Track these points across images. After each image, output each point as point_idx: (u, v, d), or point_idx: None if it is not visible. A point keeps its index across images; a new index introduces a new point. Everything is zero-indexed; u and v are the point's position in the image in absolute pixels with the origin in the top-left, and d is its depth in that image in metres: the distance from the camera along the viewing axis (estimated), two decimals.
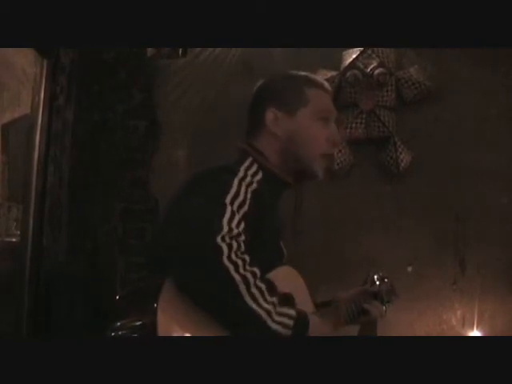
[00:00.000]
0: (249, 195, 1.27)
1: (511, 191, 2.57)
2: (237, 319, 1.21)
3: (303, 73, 1.50)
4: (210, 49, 2.83)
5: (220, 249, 1.17)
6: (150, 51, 2.82)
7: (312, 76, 1.50)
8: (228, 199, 1.24)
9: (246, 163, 1.37)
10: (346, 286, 1.60)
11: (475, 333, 2.52)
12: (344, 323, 1.47)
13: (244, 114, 1.51)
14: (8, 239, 3.11)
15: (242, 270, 1.17)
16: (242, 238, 1.21)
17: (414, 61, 2.69)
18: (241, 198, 1.26)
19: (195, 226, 1.21)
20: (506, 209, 2.57)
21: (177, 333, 1.21)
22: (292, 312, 1.24)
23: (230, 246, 1.17)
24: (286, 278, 1.31)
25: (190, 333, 1.21)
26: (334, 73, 2.71)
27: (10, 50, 2.90)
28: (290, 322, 1.22)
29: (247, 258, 1.19)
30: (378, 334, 1.87)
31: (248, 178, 1.32)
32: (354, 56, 2.68)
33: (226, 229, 1.19)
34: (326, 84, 1.51)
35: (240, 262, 1.17)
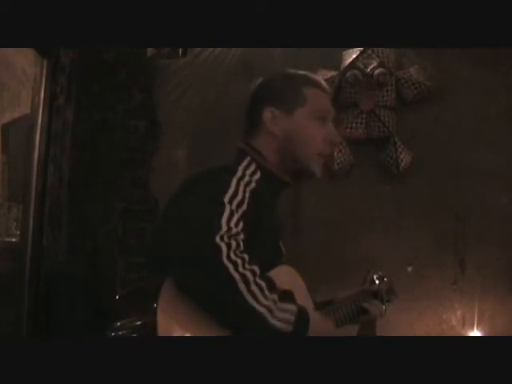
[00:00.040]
0: (247, 194, 1.28)
1: (511, 191, 2.57)
2: (238, 318, 1.21)
3: (302, 72, 1.50)
4: (210, 49, 2.83)
5: (219, 248, 1.17)
6: (150, 51, 2.82)
7: (310, 75, 1.50)
8: (226, 198, 1.24)
9: (244, 163, 1.37)
10: (345, 286, 1.61)
11: (475, 333, 2.52)
12: (344, 322, 1.48)
13: (244, 114, 1.51)
14: (8, 239, 3.11)
15: (241, 269, 1.17)
16: (241, 236, 1.21)
17: (414, 61, 2.69)
18: (239, 197, 1.26)
19: (194, 226, 1.21)
20: (506, 209, 2.56)
21: (177, 333, 1.21)
22: (293, 307, 1.24)
23: (228, 245, 1.18)
24: (285, 277, 1.31)
25: (189, 333, 1.22)
26: (334, 73, 2.71)
27: (10, 49, 2.90)
28: (291, 318, 1.23)
29: (246, 256, 1.20)
30: (378, 334, 1.87)
31: (246, 178, 1.32)
32: (354, 56, 2.68)
33: (224, 228, 1.19)
34: (324, 83, 1.51)
35: (239, 261, 1.18)
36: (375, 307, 1.55)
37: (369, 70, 2.65)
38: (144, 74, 2.96)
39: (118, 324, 1.31)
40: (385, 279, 1.62)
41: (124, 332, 1.30)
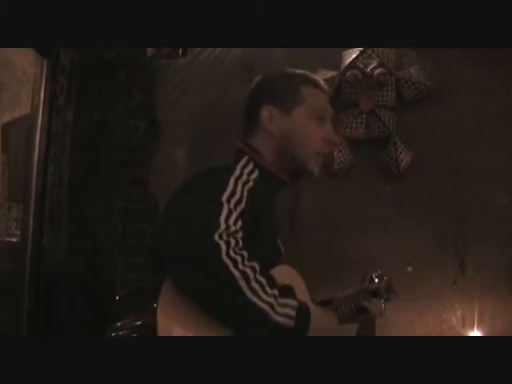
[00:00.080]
0: (245, 193, 1.28)
1: (511, 191, 2.57)
2: (239, 315, 1.22)
3: (300, 71, 1.50)
4: (210, 49, 2.83)
5: (218, 246, 1.17)
6: (150, 51, 2.82)
7: (309, 74, 1.50)
8: (225, 197, 1.24)
9: (242, 162, 1.38)
10: (345, 286, 1.61)
11: (475, 333, 2.52)
12: (344, 321, 1.48)
13: (243, 112, 1.51)
14: (8, 239, 3.10)
15: (241, 266, 1.18)
16: (240, 234, 1.22)
17: (414, 61, 2.69)
18: (237, 196, 1.26)
19: (193, 225, 1.22)
20: (506, 209, 2.57)
21: (177, 333, 1.21)
22: (294, 302, 1.25)
23: (227, 243, 1.18)
24: (284, 277, 1.31)
25: (190, 332, 1.22)
26: (334, 73, 2.72)
27: (10, 49, 2.90)
28: (293, 313, 1.23)
29: (245, 253, 1.20)
30: (378, 334, 1.87)
31: (244, 177, 1.32)
32: (354, 56, 2.68)
33: (223, 226, 1.20)
34: (323, 83, 1.51)
35: (239, 258, 1.18)
36: (375, 306, 1.55)
37: (369, 69, 2.65)
38: (144, 74, 2.96)
39: (118, 324, 1.31)
40: (384, 278, 1.63)
41: (124, 332, 1.30)
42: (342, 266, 2.55)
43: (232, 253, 1.18)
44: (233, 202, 1.25)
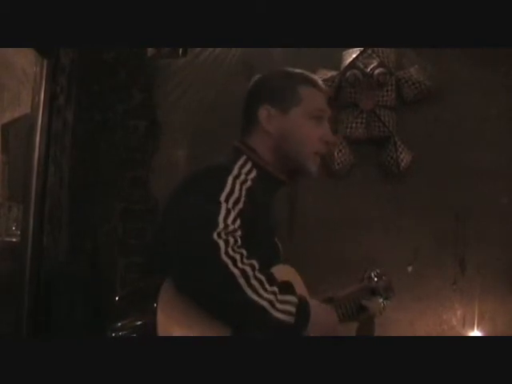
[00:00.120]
0: (243, 193, 1.28)
1: (511, 191, 2.57)
2: (239, 313, 1.22)
3: (299, 71, 1.50)
4: (210, 49, 2.83)
5: (217, 245, 1.17)
6: (150, 51, 2.82)
7: (307, 74, 1.50)
8: (223, 197, 1.25)
9: (240, 161, 1.38)
10: (346, 286, 1.61)
11: (475, 333, 2.52)
12: (344, 320, 1.48)
13: (241, 111, 1.51)
14: (8, 239, 3.10)
15: (240, 264, 1.18)
16: (238, 233, 1.22)
17: (414, 61, 2.69)
18: (235, 195, 1.27)
19: (191, 224, 1.22)
20: (506, 209, 2.57)
21: (177, 332, 1.21)
22: (293, 298, 1.26)
23: (226, 242, 1.18)
24: (284, 276, 1.32)
25: (189, 332, 1.22)
26: (334, 73, 2.71)
27: (10, 50, 2.90)
28: (293, 309, 1.24)
29: (244, 251, 1.21)
30: (379, 334, 1.87)
31: (242, 176, 1.32)
32: (354, 56, 2.67)
33: (221, 225, 1.20)
34: (321, 83, 1.52)
35: (238, 257, 1.19)
36: (374, 304, 1.55)
37: (369, 69, 2.65)
38: (144, 74, 2.96)
39: (118, 324, 1.31)
40: (383, 277, 1.63)
41: (124, 332, 1.30)
42: (342, 266, 2.54)
43: (231, 251, 1.18)
44: (231, 201, 1.25)
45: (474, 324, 2.53)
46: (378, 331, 1.72)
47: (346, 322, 1.50)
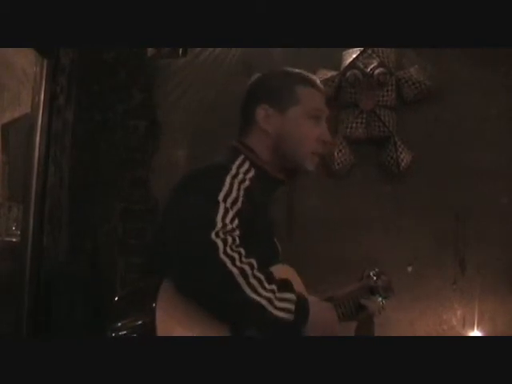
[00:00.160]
0: (241, 192, 1.29)
1: (511, 191, 2.57)
2: (238, 311, 1.22)
3: (297, 70, 1.50)
4: (210, 49, 2.83)
5: (215, 244, 1.18)
6: (150, 51, 2.82)
7: (305, 74, 1.51)
8: (221, 196, 1.25)
9: (238, 161, 1.38)
10: (345, 286, 1.60)
11: (475, 333, 2.52)
12: (343, 319, 1.48)
13: (239, 110, 1.51)
14: (8, 239, 3.11)
15: (238, 263, 1.19)
16: (237, 233, 1.23)
17: (414, 61, 2.69)
18: (233, 195, 1.27)
19: (189, 224, 1.22)
20: (506, 209, 2.56)
21: (176, 332, 1.21)
22: (292, 296, 1.26)
23: (224, 241, 1.19)
24: (283, 276, 1.32)
25: (189, 332, 1.22)
26: (334, 73, 2.71)
27: (10, 50, 2.90)
28: (292, 307, 1.25)
29: (243, 250, 1.21)
30: (379, 334, 1.87)
31: (240, 176, 1.33)
32: (354, 56, 2.67)
33: (219, 225, 1.20)
34: (319, 82, 1.52)
35: (236, 256, 1.19)
36: (373, 303, 1.56)
37: (369, 69, 2.64)
38: (144, 74, 2.96)
39: (118, 324, 1.31)
40: (382, 276, 1.63)
41: (124, 332, 1.30)
42: (342, 266, 2.54)
43: (229, 250, 1.18)
44: (229, 201, 1.25)
45: (473, 324, 2.53)
46: (378, 331, 1.71)
47: (345, 321, 1.50)
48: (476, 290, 2.54)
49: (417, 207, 2.63)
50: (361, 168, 2.73)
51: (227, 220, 1.22)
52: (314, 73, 2.64)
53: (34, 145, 2.82)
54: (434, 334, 2.56)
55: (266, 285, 1.21)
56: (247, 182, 1.32)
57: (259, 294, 1.20)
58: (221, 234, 1.19)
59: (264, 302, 1.20)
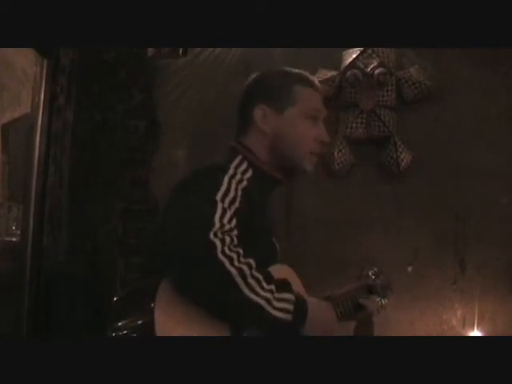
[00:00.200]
0: (239, 192, 1.29)
1: (511, 191, 2.57)
2: (237, 311, 1.23)
3: (295, 70, 1.51)
4: (210, 49, 2.83)
5: (213, 244, 1.18)
6: (150, 51, 2.81)
7: (304, 74, 1.51)
8: (219, 196, 1.25)
9: (236, 161, 1.38)
10: (344, 285, 1.60)
11: (475, 333, 2.52)
12: (342, 319, 1.48)
13: (237, 110, 1.51)
14: (8, 239, 3.11)
15: (236, 263, 1.19)
16: (235, 232, 1.23)
17: (414, 61, 2.69)
18: (231, 195, 1.27)
19: (188, 224, 1.23)
20: (506, 209, 2.56)
21: (175, 332, 1.21)
22: (291, 296, 1.26)
23: (223, 241, 1.19)
24: (281, 276, 1.32)
25: (188, 332, 1.22)
26: (334, 72, 2.71)
27: (10, 50, 2.90)
28: (290, 307, 1.25)
29: (241, 250, 1.21)
30: (379, 334, 1.87)
31: (238, 176, 1.33)
32: (355, 56, 2.67)
33: (217, 225, 1.21)
34: (317, 83, 1.52)
35: (234, 256, 1.19)
36: (372, 303, 1.56)
37: (369, 69, 2.64)
38: (144, 74, 2.96)
39: (118, 324, 1.31)
40: (380, 275, 1.63)
41: (124, 332, 1.30)
42: (342, 266, 2.54)
43: (227, 250, 1.19)
44: (227, 201, 1.26)
45: (474, 324, 2.53)
46: (378, 331, 1.72)
47: (344, 320, 1.50)
48: (476, 289, 2.54)
49: (417, 207, 2.63)
50: (361, 168, 2.73)
51: (225, 220, 1.22)
52: (314, 73, 2.65)
53: (34, 145, 2.82)
54: (434, 334, 2.56)
55: (265, 285, 1.21)
56: (245, 182, 1.33)
57: (257, 294, 1.20)
58: (219, 234, 1.19)
59: (262, 302, 1.20)
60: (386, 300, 1.62)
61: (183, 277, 1.22)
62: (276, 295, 1.23)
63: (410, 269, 2.62)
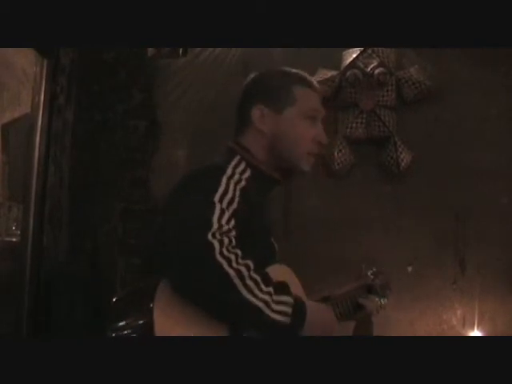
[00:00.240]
0: (237, 193, 1.29)
1: (511, 191, 2.57)
2: (235, 313, 1.22)
3: (294, 70, 1.50)
4: (210, 49, 2.83)
5: (211, 245, 1.18)
6: (150, 51, 2.81)
7: (302, 74, 1.51)
8: (217, 197, 1.25)
9: (234, 161, 1.38)
10: (343, 285, 1.60)
11: (476, 333, 2.52)
12: (341, 319, 1.48)
13: (235, 109, 1.51)
14: (8, 239, 3.11)
15: (235, 264, 1.18)
16: (233, 233, 1.23)
17: (414, 61, 2.69)
18: (229, 195, 1.27)
19: (186, 225, 1.22)
20: (506, 209, 2.56)
21: (174, 332, 1.21)
22: (289, 299, 1.26)
23: (221, 242, 1.19)
24: (280, 276, 1.32)
25: (186, 332, 1.22)
26: (334, 72, 2.71)
27: (10, 50, 2.90)
28: (289, 310, 1.24)
29: (239, 252, 1.21)
30: (379, 334, 1.87)
31: (236, 176, 1.33)
32: (355, 55, 2.67)
33: (216, 225, 1.20)
34: (316, 83, 1.52)
35: (232, 257, 1.19)
36: (371, 302, 1.56)
37: (369, 69, 2.64)
38: (144, 74, 2.96)
39: (118, 324, 1.31)
40: (379, 275, 1.63)
41: (124, 332, 1.30)
42: (342, 265, 2.54)
43: (225, 251, 1.18)
44: (225, 201, 1.25)
45: (474, 324, 2.53)
46: (378, 331, 1.72)
47: (343, 320, 1.50)
48: (476, 289, 2.54)
49: (417, 207, 2.63)
50: (361, 168, 2.73)
51: (223, 221, 1.22)
52: (314, 73, 2.66)
53: (34, 145, 2.83)
54: (434, 334, 2.56)
55: (263, 287, 1.21)
56: (243, 183, 1.32)
57: (255, 296, 1.19)
58: (217, 235, 1.19)
59: (261, 305, 1.20)
60: (386, 300, 1.62)
61: (181, 278, 1.21)
62: (274, 298, 1.22)
63: (410, 269, 2.62)
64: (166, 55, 2.81)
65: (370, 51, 2.66)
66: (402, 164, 2.63)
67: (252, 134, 1.45)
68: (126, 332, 1.29)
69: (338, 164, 2.69)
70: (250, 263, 1.21)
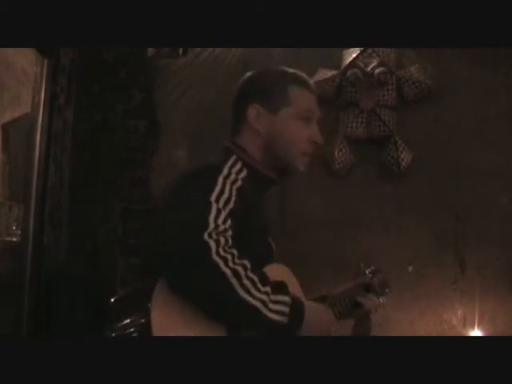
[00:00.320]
0: (234, 192, 1.29)
1: (511, 191, 2.57)
2: (232, 313, 1.22)
3: (291, 70, 1.51)
4: (210, 49, 2.83)
5: (208, 245, 1.18)
6: (150, 51, 2.81)
7: (298, 74, 1.51)
8: (213, 197, 1.25)
9: (230, 161, 1.38)
10: (341, 284, 1.60)
11: (476, 333, 2.52)
12: (339, 317, 1.48)
13: (231, 108, 1.51)
14: (9, 239, 3.10)
15: (231, 264, 1.18)
16: (229, 233, 1.22)
17: (414, 61, 2.69)
18: (226, 195, 1.27)
19: (182, 225, 1.22)
20: (506, 209, 2.56)
21: (172, 332, 1.21)
22: (287, 299, 1.25)
23: (217, 242, 1.19)
24: (278, 275, 1.32)
25: (185, 332, 1.22)
26: (334, 72, 2.71)
27: (10, 49, 2.90)
28: (286, 309, 1.24)
29: (235, 251, 1.21)
30: (379, 334, 1.87)
31: (232, 176, 1.33)
32: (355, 55, 2.67)
33: (212, 225, 1.20)
34: (312, 83, 1.52)
35: (229, 256, 1.19)
36: (369, 301, 1.55)
37: (369, 69, 2.64)
38: (144, 74, 2.96)
39: (118, 324, 1.31)
40: (378, 273, 1.63)
41: (123, 332, 1.30)
42: (342, 265, 2.54)
43: (222, 251, 1.18)
44: (221, 201, 1.25)
45: (474, 324, 2.53)
46: (378, 331, 1.71)
47: (342, 319, 1.50)
48: (476, 289, 2.54)
49: (417, 207, 2.63)
50: (361, 167, 2.73)
51: (219, 221, 1.22)
52: (314, 72, 2.66)
53: (35, 145, 2.83)
54: (435, 334, 2.56)
55: (260, 286, 1.21)
56: (239, 182, 1.32)
57: (253, 296, 1.19)
58: (213, 235, 1.19)
59: (258, 304, 1.20)
60: (384, 298, 1.62)
61: (178, 278, 1.21)
62: (272, 297, 1.22)
63: (410, 268, 2.62)
64: (165, 55, 2.81)
65: (370, 51, 2.66)
66: (403, 164, 2.63)
67: (248, 133, 1.45)
68: (125, 332, 1.29)
69: (339, 163, 2.69)
70: (247, 263, 1.21)
